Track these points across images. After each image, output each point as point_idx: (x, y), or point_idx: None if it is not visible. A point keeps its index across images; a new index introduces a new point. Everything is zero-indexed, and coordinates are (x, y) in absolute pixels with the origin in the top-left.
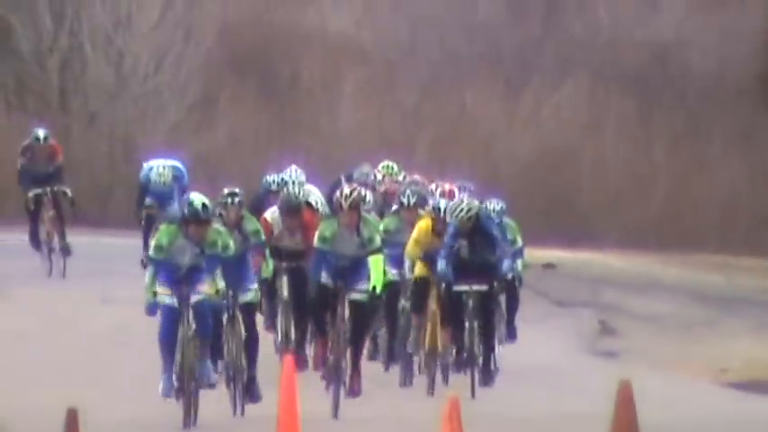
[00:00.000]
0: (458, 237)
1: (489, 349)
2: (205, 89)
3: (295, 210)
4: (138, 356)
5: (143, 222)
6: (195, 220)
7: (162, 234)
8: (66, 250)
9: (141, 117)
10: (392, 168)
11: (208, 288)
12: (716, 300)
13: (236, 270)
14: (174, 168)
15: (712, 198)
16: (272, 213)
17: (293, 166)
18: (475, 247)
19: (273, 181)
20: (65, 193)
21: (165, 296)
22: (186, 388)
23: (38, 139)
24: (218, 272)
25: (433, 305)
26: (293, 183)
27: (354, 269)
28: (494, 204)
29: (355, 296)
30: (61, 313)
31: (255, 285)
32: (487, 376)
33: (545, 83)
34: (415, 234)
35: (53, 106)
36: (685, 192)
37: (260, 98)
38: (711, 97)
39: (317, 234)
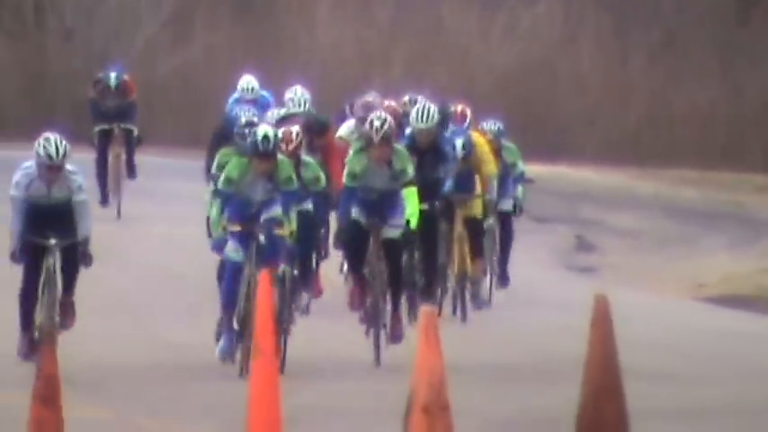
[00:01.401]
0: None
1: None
2: (181, 4)
3: (321, 131)
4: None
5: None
6: (257, 154)
7: (232, 167)
8: (132, 173)
9: (117, 33)
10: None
11: (282, 230)
12: (693, 215)
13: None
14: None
15: (689, 112)
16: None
17: (297, 86)
18: (426, 164)
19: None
20: (131, 131)
21: (232, 252)
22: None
23: (108, 85)
24: (293, 213)
25: (458, 227)
26: (300, 100)
27: (387, 204)
28: (491, 125)
29: (390, 233)
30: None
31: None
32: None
33: None
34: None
35: (29, 23)
36: (662, 106)
37: (236, 13)
38: (688, 11)
39: (345, 170)
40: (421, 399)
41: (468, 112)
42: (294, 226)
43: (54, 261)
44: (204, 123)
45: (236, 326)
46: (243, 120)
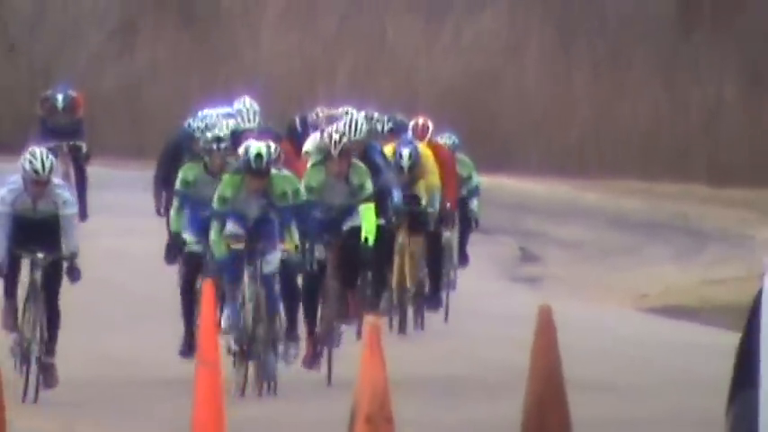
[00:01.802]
0: None
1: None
2: (125, 16)
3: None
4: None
5: None
6: (250, 172)
7: (225, 185)
8: (82, 216)
9: (61, 46)
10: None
11: (286, 244)
12: (636, 226)
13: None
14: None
15: (633, 124)
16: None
17: (246, 97)
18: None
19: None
20: (79, 148)
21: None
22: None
23: (55, 105)
24: (293, 227)
25: (400, 237)
26: (249, 112)
27: (344, 220)
28: (445, 138)
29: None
30: None
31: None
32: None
33: (466, 8)
34: None
35: None
36: (606, 118)
37: (180, 25)
38: (632, 24)
39: (302, 184)
40: (364, 410)
41: (430, 125)
42: (297, 240)
43: (40, 275)
44: (149, 135)
45: (234, 346)
46: (209, 135)
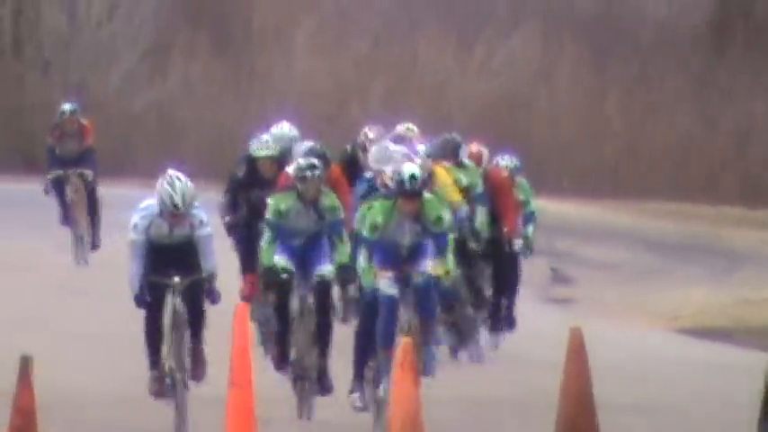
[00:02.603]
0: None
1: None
2: (158, 37)
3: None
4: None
5: None
6: (404, 194)
7: (376, 212)
8: (93, 245)
9: (95, 64)
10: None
11: (437, 269)
12: (669, 247)
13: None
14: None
15: (666, 146)
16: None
17: (284, 122)
18: None
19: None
20: (86, 176)
21: (387, 287)
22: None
23: (62, 112)
24: (449, 253)
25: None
26: (287, 138)
27: (314, 248)
28: (507, 161)
29: (320, 272)
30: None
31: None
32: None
33: (498, 30)
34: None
35: (7, 54)
36: (639, 139)
37: (213, 46)
38: (665, 45)
39: (269, 207)
40: (397, 429)
41: (485, 152)
42: (451, 265)
43: (179, 299)
44: (182, 155)
45: (368, 376)
46: (303, 162)
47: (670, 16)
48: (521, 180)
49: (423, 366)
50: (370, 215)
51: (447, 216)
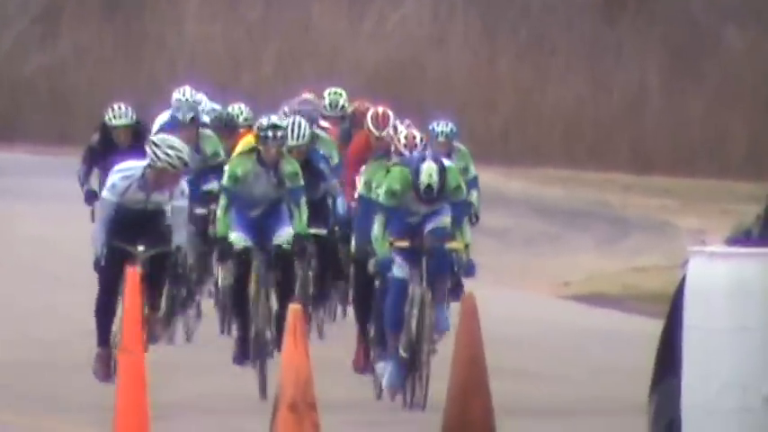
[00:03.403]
0: None
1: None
2: (49, 1)
3: (225, 126)
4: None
5: None
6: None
7: (393, 179)
8: None
9: None
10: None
11: (455, 243)
12: (559, 213)
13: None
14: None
15: (556, 112)
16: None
17: (186, 87)
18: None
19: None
20: None
21: (397, 270)
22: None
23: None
24: (466, 225)
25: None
26: (189, 103)
27: (272, 216)
28: (442, 126)
29: (279, 240)
30: None
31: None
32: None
33: None
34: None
35: None
36: (529, 105)
37: (105, 11)
38: (555, 10)
39: (226, 171)
40: (288, 397)
41: (391, 115)
42: (469, 238)
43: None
44: (72, 121)
45: (403, 353)
46: (264, 122)
47: None
48: (459, 146)
49: (437, 323)
50: (388, 181)
51: (463, 184)
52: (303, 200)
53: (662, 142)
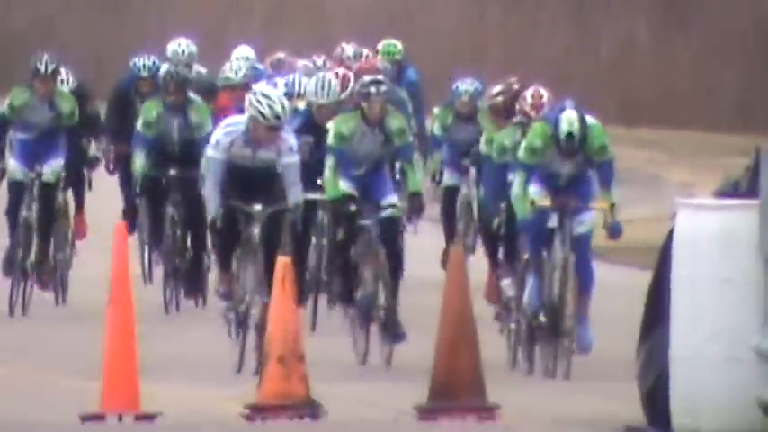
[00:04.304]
0: None
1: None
2: None
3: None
4: None
5: None
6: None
7: (535, 135)
8: None
9: None
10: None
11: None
12: None
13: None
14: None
15: (545, 63)
16: None
17: (182, 38)
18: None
19: (144, 66)
20: None
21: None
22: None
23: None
24: (613, 186)
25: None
26: (186, 54)
27: (376, 176)
28: (467, 85)
29: (386, 213)
30: None
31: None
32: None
33: None
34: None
35: None
36: (518, 57)
37: None
38: None
39: (331, 131)
40: (277, 349)
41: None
42: (615, 198)
43: (257, 230)
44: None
45: (542, 318)
46: (366, 78)
47: None
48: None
49: (579, 340)
50: (529, 138)
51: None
52: (415, 156)
53: (650, 94)
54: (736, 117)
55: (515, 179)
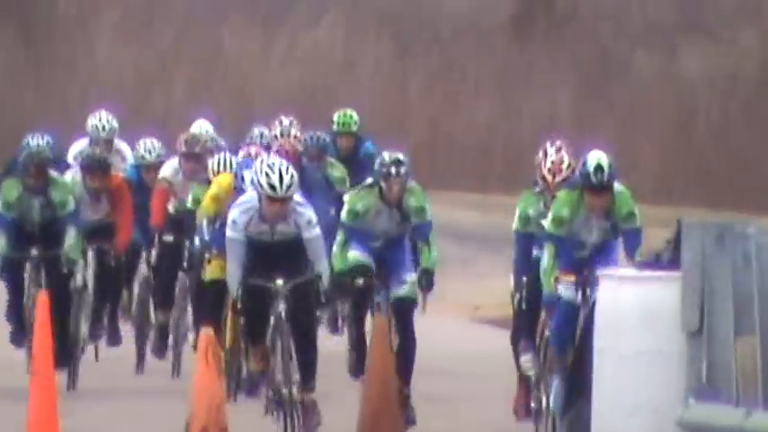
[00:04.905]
0: None
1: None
2: None
3: (98, 167)
4: None
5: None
6: (591, 187)
7: (561, 205)
8: None
9: None
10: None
11: None
12: (470, 237)
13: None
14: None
15: (468, 135)
16: (72, 176)
17: (102, 111)
18: None
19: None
20: None
21: (567, 292)
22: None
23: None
24: (637, 254)
25: None
26: (106, 129)
27: (393, 251)
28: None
29: (401, 292)
30: None
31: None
32: None
33: (301, 21)
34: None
35: None
36: (440, 130)
37: (15, 34)
38: (465, 36)
39: (345, 207)
40: (201, 420)
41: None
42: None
43: (282, 305)
44: None
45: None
46: (387, 157)
47: (470, 7)
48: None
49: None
50: (555, 208)
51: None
52: (431, 235)
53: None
54: (659, 188)
55: (545, 252)
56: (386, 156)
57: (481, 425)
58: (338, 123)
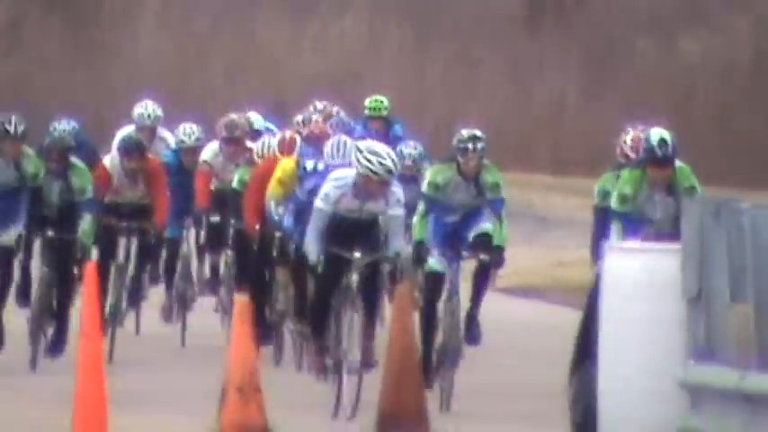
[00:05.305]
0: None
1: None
2: (10, 14)
3: (135, 149)
4: None
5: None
6: (655, 161)
7: (625, 182)
8: None
9: None
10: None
11: None
12: None
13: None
14: None
15: (482, 121)
16: (111, 159)
17: (148, 101)
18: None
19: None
20: None
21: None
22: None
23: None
24: None
25: None
26: (152, 117)
27: (470, 219)
28: (409, 148)
29: (482, 228)
30: None
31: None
32: None
33: (329, 12)
34: None
35: None
36: (457, 115)
37: (65, 23)
38: (481, 26)
39: (426, 180)
40: (236, 381)
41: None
42: None
43: (356, 277)
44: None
45: None
46: (465, 133)
47: None
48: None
49: None
50: (619, 186)
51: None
52: (504, 212)
53: (579, 147)
54: None
55: (612, 228)
56: (464, 132)
57: (492, 385)
58: (369, 108)
